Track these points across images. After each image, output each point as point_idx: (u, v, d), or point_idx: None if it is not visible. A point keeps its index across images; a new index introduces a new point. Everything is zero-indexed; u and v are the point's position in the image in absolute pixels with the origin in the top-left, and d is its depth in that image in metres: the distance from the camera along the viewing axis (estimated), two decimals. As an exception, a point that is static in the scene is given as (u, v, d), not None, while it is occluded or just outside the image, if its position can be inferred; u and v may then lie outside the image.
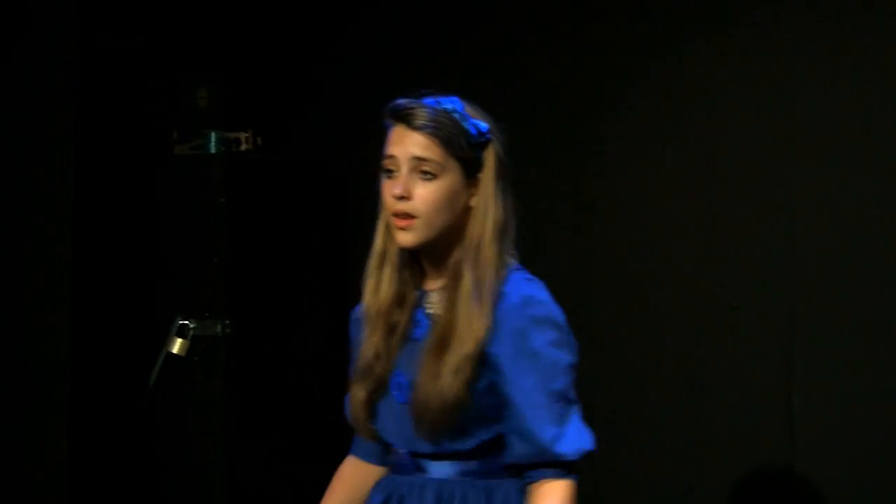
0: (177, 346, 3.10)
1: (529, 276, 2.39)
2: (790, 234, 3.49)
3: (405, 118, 2.35)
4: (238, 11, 4.39)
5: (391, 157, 2.36)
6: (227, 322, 3.96)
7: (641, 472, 3.65)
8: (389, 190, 2.35)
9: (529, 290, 2.34)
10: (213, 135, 4.12)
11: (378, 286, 2.43)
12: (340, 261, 4.36)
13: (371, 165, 4.34)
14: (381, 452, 2.53)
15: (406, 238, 2.34)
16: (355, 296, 4.27)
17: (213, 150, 4.12)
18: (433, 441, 2.34)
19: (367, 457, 2.58)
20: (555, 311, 2.33)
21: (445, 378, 2.27)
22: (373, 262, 2.44)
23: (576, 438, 2.30)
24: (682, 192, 3.69)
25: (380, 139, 4.15)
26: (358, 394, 2.43)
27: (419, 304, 2.42)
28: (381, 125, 2.39)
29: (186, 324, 3.04)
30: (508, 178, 2.40)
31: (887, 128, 3.43)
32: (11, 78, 3.93)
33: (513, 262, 2.39)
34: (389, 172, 2.37)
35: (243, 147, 4.15)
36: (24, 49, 3.92)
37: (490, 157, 2.39)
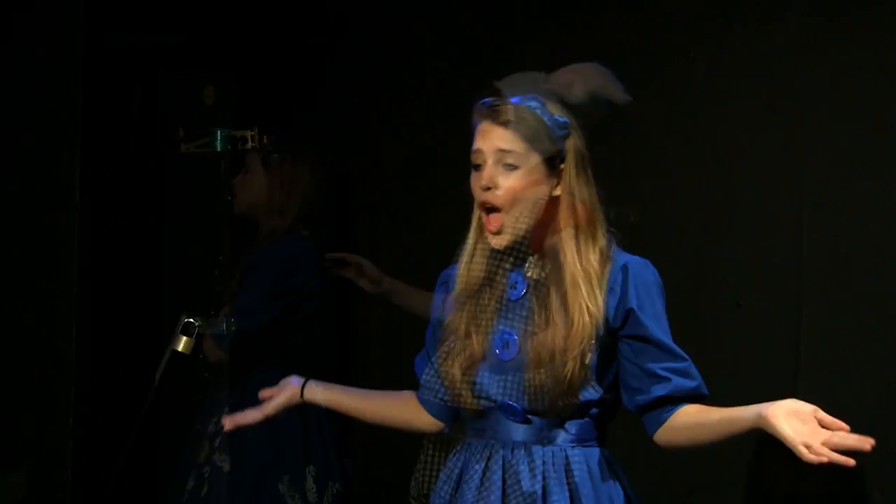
0: (182, 343, 3.09)
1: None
2: (797, 231, 3.48)
3: (490, 115, 2.50)
4: (244, 10, 4.39)
5: (478, 150, 2.50)
6: (233, 320, 3.96)
7: (643, 472, 3.63)
8: (476, 182, 2.49)
9: (640, 258, 2.54)
10: (219, 133, 4.12)
11: (468, 271, 2.56)
12: (346, 259, 4.35)
13: (376, 164, 4.37)
14: (451, 416, 2.68)
15: (498, 241, 2.50)
16: (362, 294, 4.30)
17: (219, 148, 4.11)
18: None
19: (431, 409, 2.71)
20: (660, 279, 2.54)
21: (569, 364, 2.42)
22: (464, 256, 2.57)
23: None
24: (688, 188, 3.68)
25: (385, 137, 4.12)
26: (454, 372, 2.52)
27: (514, 267, 2.53)
28: (469, 125, 2.52)
29: (192, 322, 3.03)
30: (590, 168, 2.54)
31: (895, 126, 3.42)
32: (18, 75, 3.94)
33: (612, 245, 2.54)
34: (477, 166, 2.50)
35: (249, 145, 4.15)
36: (31, 47, 3.92)
37: (571, 149, 2.53)
